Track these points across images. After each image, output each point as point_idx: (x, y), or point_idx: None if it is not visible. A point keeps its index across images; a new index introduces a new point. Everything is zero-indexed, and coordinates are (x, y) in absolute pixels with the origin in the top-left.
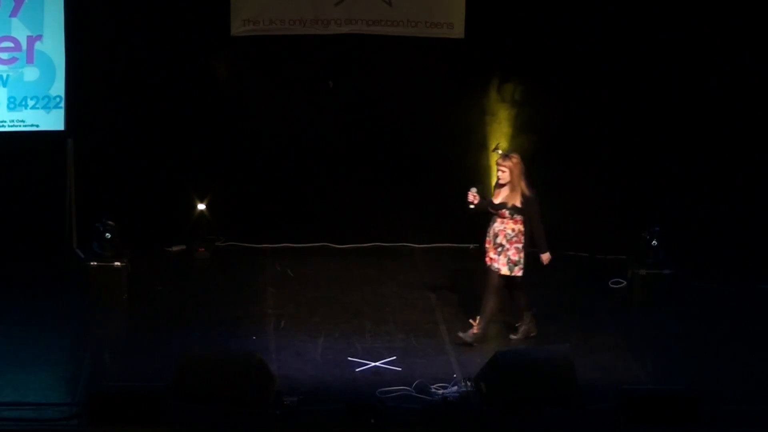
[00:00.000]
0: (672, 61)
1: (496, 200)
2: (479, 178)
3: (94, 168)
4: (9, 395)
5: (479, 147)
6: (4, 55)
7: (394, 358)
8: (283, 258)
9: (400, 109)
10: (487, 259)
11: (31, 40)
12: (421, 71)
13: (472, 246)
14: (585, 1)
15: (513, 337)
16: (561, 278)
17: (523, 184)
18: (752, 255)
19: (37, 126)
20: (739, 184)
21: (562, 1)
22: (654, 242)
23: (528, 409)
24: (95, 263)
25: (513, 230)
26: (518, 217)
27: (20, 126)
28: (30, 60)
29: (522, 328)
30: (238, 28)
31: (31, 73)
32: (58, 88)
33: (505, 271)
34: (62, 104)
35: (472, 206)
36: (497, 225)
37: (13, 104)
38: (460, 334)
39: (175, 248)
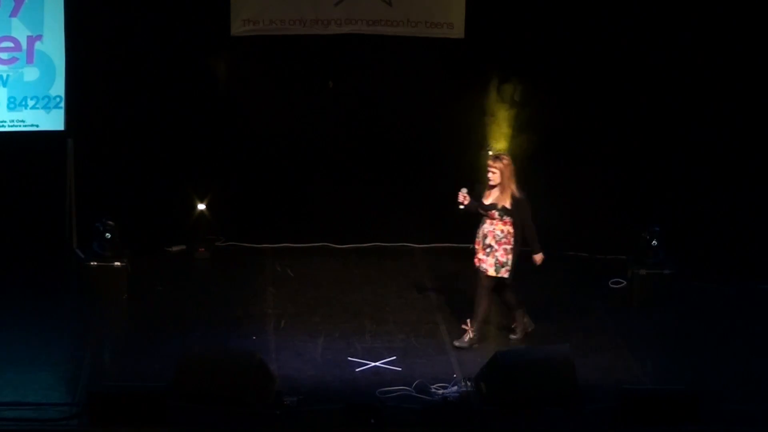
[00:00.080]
0: (672, 61)
1: (487, 201)
2: (479, 177)
3: (94, 168)
4: (9, 395)
5: (479, 147)
6: (4, 55)
7: (394, 358)
8: (283, 258)
9: (400, 109)
10: (476, 260)
11: (31, 40)
12: (421, 71)
13: (471, 246)
14: (585, 1)
15: (513, 337)
16: (561, 278)
17: (513, 186)
18: (752, 255)
19: (37, 126)
20: (739, 184)
21: (562, 2)
22: (654, 242)
23: (528, 409)
24: (95, 263)
25: (502, 231)
26: (507, 219)
27: (20, 126)
28: (30, 60)
29: (519, 327)
30: (238, 28)
31: (31, 73)
32: (58, 88)
33: (491, 272)
34: (62, 104)
35: (462, 207)
36: (486, 226)
37: (13, 104)
38: (457, 343)
39: (175, 248)
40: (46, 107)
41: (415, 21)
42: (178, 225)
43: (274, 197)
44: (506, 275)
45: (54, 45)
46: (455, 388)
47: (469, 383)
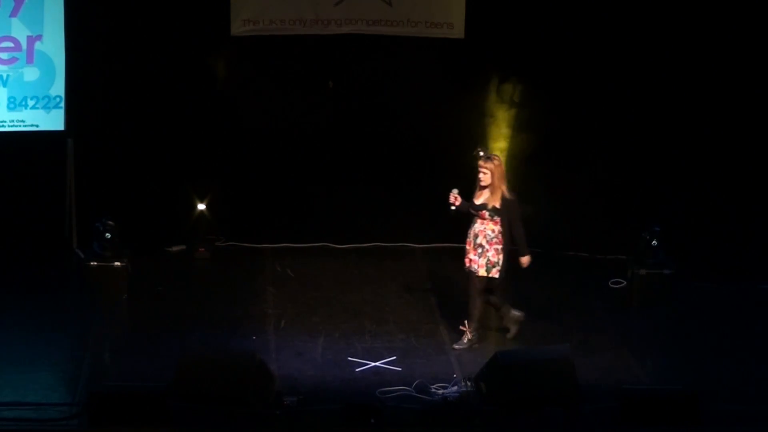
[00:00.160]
0: (672, 61)
1: (477, 201)
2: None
3: (94, 168)
4: (9, 395)
5: (482, 147)
6: (4, 55)
7: (394, 358)
8: (283, 258)
9: (400, 109)
10: (467, 260)
11: (31, 40)
12: (421, 71)
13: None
14: (585, 1)
15: (509, 335)
16: (561, 278)
17: (503, 186)
18: (752, 255)
19: (37, 126)
20: (739, 183)
21: (562, 2)
22: (654, 242)
23: (528, 409)
24: (95, 263)
25: (493, 231)
26: (498, 219)
27: (20, 126)
28: (30, 60)
29: (510, 323)
30: (238, 28)
31: (31, 73)
32: (58, 88)
33: (482, 272)
34: (62, 104)
35: (453, 208)
36: (477, 226)
37: (13, 104)
38: (456, 345)
39: (175, 248)
40: (46, 107)
41: (415, 21)
42: (178, 225)
43: (274, 197)
44: (497, 275)
45: (54, 45)
46: (455, 388)
47: (469, 383)
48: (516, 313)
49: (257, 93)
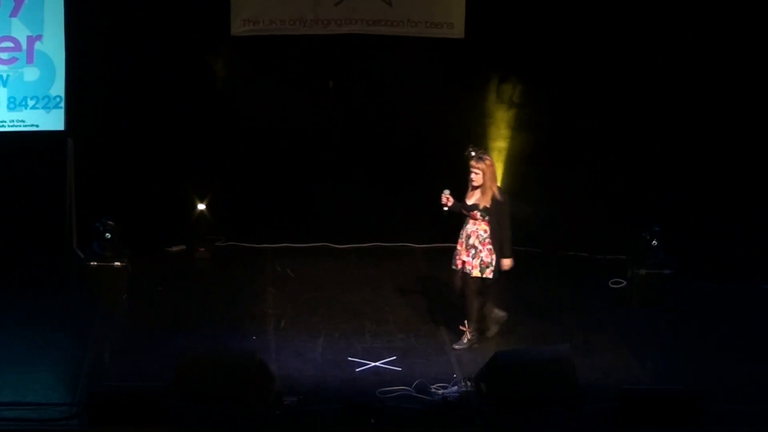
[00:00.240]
0: (672, 61)
1: (469, 201)
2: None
3: (94, 168)
4: (9, 395)
5: (479, 147)
6: (4, 55)
7: (394, 358)
8: (283, 258)
9: (400, 108)
10: (459, 261)
11: (31, 40)
12: (421, 71)
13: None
14: (585, 1)
15: (488, 334)
16: (561, 278)
17: (494, 187)
18: (752, 255)
19: (37, 126)
20: (739, 184)
21: (562, 2)
22: (654, 242)
23: (528, 409)
24: (95, 263)
25: (485, 231)
26: (489, 219)
27: (20, 126)
28: (30, 60)
29: (491, 324)
30: (238, 28)
31: (31, 73)
32: (58, 88)
33: (476, 273)
34: (62, 104)
35: (445, 209)
36: (470, 226)
37: (13, 104)
38: (456, 346)
39: (175, 248)
40: (46, 107)
41: (415, 21)
42: (178, 225)
43: (274, 197)
44: (491, 275)
45: (54, 45)
46: (455, 388)
47: (469, 383)
48: (499, 313)
49: (257, 93)
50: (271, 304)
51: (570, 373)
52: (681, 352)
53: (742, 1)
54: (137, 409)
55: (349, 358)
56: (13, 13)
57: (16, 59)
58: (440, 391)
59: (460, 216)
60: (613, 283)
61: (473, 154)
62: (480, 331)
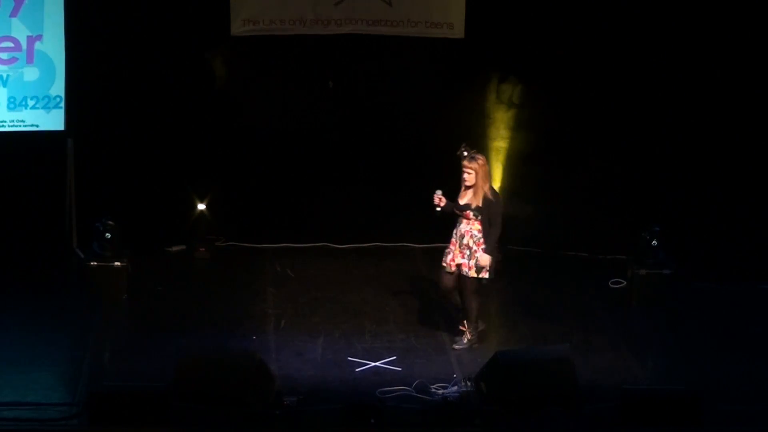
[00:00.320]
0: (672, 62)
1: (462, 201)
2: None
3: (94, 168)
4: (9, 395)
5: (479, 147)
6: (4, 55)
7: (394, 358)
8: (283, 258)
9: (400, 108)
10: (452, 262)
11: (31, 40)
12: (421, 71)
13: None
14: (585, 1)
15: (456, 347)
16: (561, 278)
17: (486, 187)
18: (752, 255)
19: (37, 126)
20: (739, 183)
21: (562, 2)
22: (654, 242)
23: (528, 409)
24: (95, 263)
25: (479, 231)
26: (482, 218)
27: (20, 126)
28: (30, 60)
29: (468, 333)
30: (238, 28)
31: (31, 73)
32: (58, 88)
33: (472, 273)
34: (62, 104)
35: (438, 209)
36: (463, 226)
37: (13, 104)
38: (456, 346)
39: (175, 248)
40: (46, 107)
41: (415, 21)
42: (178, 225)
43: (274, 197)
44: (486, 275)
45: (54, 45)
46: (455, 388)
47: (469, 383)
48: (475, 332)
49: (257, 93)
50: (271, 304)
51: (570, 373)
52: (681, 352)
53: (742, 1)
54: (137, 409)
55: (349, 358)
56: (13, 13)
57: (16, 59)
58: (440, 391)
59: (452, 216)
60: (613, 283)
61: (465, 154)
62: (480, 333)
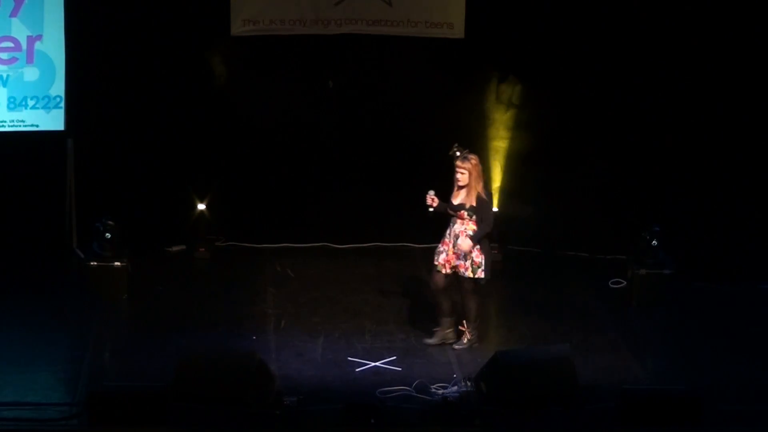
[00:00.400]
0: (672, 62)
1: (455, 201)
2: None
3: (94, 168)
4: (9, 395)
5: (479, 147)
6: (4, 55)
7: (394, 358)
8: (283, 258)
9: (399, 109)
10: (444, 262)
11: (31, 40)
12: (420, 71)
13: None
14: (585, 1)
15: (428, 341)
16: (561, 278)
17: (479, 186)
18: (752, 255)
19: (37, 126)
20: (739, 183)
21: (562, 2)
22: (654, 242)
23: (528, 409)
24: (95, 263)
25: (473, 231)
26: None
27: (20, 126)
28: (30, 60)
29: (439, 334)
30: (238, 28)
31: (31, 73)
32: (58, 88)
33: (469, 274)
34: (62, 104)
35: (431, 209)
36: (457, 227)
37: (13, 104)
38: (456, 346)
39: (175, 248)
40: (46, 107)
41: (415, 21)
42: (178, 225)
43: (274, 197)
44: (482, 275)
45: (54, 45)
46: (455, 388)
47: (469, 383)
48: (453, 334)
49: (257, 93)
50: (271, 304)
51: (570, 373)
52: (681, 352)
53: (742, 1)
54: (137, 409)
55: (349, 358)
56: (13, 13)
57: (16, 59)
58: (440, 391)
59: (445, 216)
60: (613, 283)
61: (458, 154)
62: (480, 333)
